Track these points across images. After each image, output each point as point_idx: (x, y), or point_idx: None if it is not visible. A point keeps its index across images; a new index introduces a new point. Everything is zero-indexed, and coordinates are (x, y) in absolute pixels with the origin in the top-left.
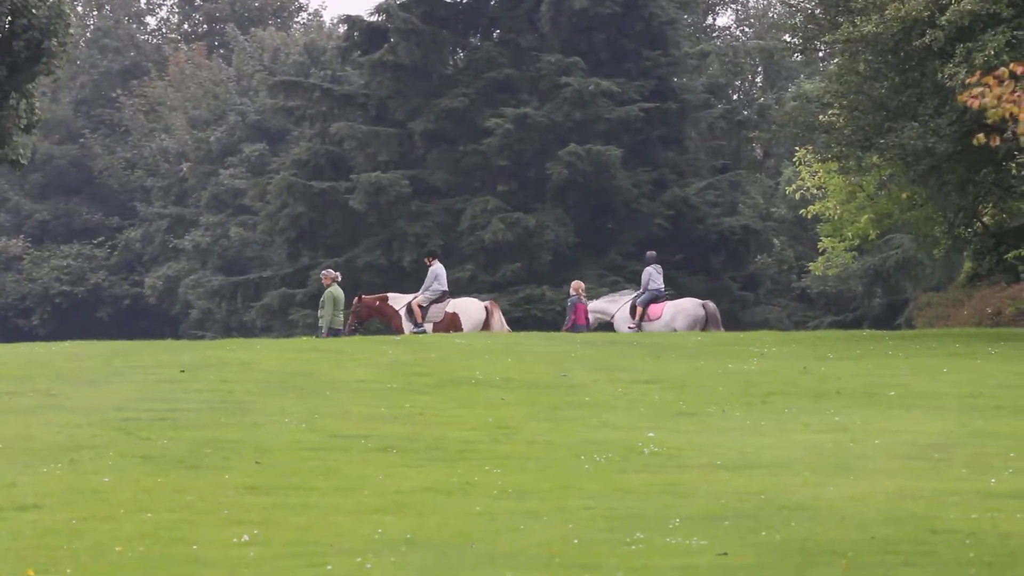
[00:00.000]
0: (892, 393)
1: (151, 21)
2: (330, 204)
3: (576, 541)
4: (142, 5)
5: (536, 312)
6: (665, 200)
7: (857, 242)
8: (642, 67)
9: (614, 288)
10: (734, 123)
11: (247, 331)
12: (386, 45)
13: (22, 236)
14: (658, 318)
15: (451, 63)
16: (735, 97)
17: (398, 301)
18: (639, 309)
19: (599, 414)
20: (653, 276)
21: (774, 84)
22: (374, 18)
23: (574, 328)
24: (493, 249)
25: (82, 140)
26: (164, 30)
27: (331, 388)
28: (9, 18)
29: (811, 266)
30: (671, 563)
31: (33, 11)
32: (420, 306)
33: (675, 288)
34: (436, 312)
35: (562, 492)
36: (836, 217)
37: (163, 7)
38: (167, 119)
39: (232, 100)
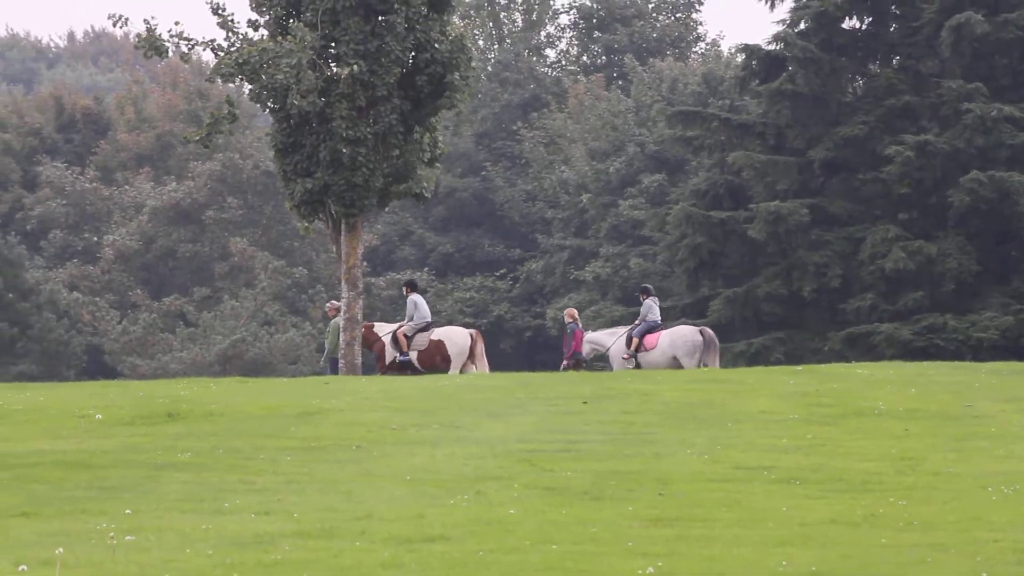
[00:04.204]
0: None
1: (551, 54)
2: (729, 234)
3: (985, 575)
4: (542, 38)
5: (939, 342)
6: None
7: None
8: None
9: (1015, 314)
10: None
11: None
12: (784, 74)
13: (426, 268)
14: (654, 347)
15: (850, 91)
16: None
17: (382, 330)
18: (635, 340)
19: (1006, 445)
20: (652, 308)
21: None
22: (772, 47)
23: (573, 356)
24: (894, 278)
25: (483, 173)
26: (563, 62)
27: (732, 419)
28: (413, 53)
29: None
30: None
31: (436, 46)
32: (405, 335)
33: None
34: (421, 341)
35: (969, 524)
36: None
37: (562, 40)
38: (567, 151)
39: (631, 131)
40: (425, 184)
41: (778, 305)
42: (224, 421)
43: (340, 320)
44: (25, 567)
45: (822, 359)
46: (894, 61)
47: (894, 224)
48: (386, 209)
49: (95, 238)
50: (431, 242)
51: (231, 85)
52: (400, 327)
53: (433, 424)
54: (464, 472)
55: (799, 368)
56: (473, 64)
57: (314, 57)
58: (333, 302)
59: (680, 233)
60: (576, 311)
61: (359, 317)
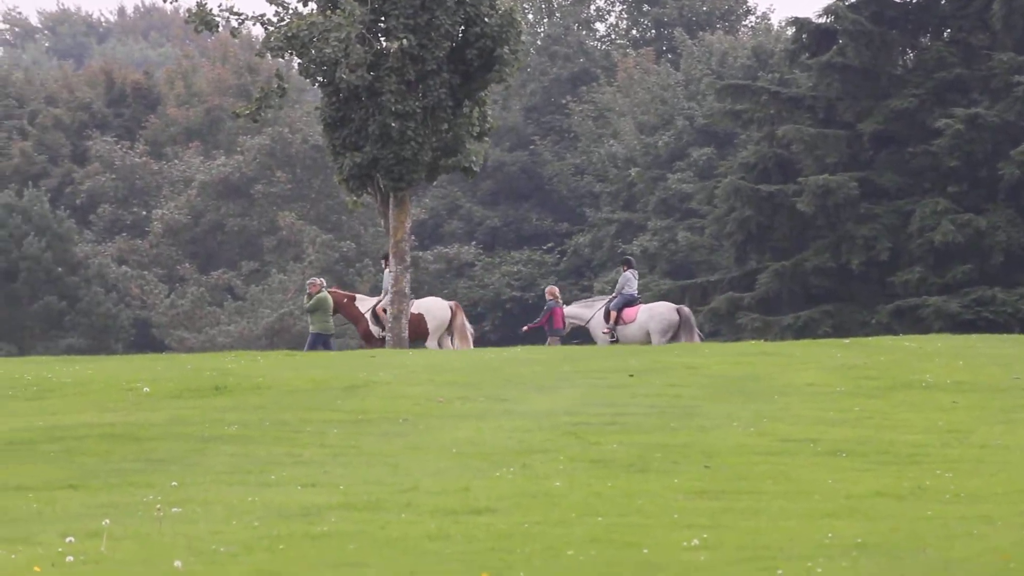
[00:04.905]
0: None
1: (600, 27)
2: (778, 207)
3: None
4: (591, 12)
5: (987, 315)
6: None
7: None
8: None
9: None
10: None
11: None
12: (835, 47)
13: (474, 243)
14: (632, 321)
15: (900, 63)
16: None
17: (364, 304)
18: (613, 313)
19: None
20: (630, 281)
21: None
22: (822, 20)
23: (551, 332)
24: (943, 251)
25: (532, 147)
26: (613, 36)
27: (779, 392)
28: (463, 27)
29: None
30: None
31: (486, 20)
32: (384, 310)
33: None
34: None
35: (1017, 496)
36: None
37: (612, 13)
38: (615, 124)
39: (680, 104)
40: (474, 158)
41: (826, 278)
42: (271, 394)
43: (324, 294)
44: (72, 539)
45: (870, 332)
46: (945, 34)
47: (943, 197)
48: (434, 183)
49: (144, 212)
50: (479, 216)
51: (280, 60)
52: (379, 302)
53: (479, 397)
54: (510, 445)
55: (847, 341)
56: (522, 38)
57: (363, 31)
58: (315, 279)
59: (728, 207)
60: (557, 289)
61: (407, 291)
